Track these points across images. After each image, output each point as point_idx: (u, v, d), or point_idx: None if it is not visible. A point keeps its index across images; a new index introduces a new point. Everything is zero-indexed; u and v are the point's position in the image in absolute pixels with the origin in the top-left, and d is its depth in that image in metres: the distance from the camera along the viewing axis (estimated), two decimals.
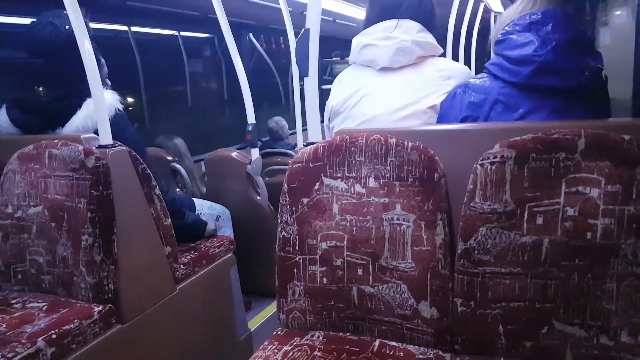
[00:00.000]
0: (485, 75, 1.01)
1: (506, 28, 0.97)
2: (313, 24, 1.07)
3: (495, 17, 4.93)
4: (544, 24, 0.91)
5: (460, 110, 1.00)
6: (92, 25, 1.32)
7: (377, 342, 0.96)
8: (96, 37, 1.27)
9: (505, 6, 4.39)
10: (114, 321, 1.20)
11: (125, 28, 3.06)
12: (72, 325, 1.08)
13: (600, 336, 0.82)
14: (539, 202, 0.83)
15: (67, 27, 1.29)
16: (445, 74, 1.13)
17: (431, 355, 0.92)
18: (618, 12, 2.28)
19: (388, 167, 0.96)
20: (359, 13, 4.02)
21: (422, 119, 1.10)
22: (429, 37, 1.16)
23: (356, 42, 1.20)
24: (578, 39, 0.91)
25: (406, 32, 1.14)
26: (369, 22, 1.19)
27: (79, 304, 1.18)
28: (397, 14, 1.16)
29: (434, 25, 1.22)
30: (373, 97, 1.16)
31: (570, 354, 0.84)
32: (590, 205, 0.81)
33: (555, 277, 0.83)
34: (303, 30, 1.08)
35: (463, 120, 1.00)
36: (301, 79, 1.14)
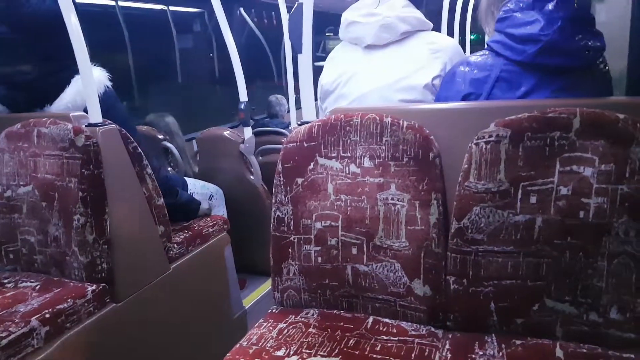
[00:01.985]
0: (487, 52, 0.99)
1: (509, 5, 0.95)
2: None
3: None
4: (547, 1, 0.90)
5: (462, 87, 0.99)
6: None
7: (370, 319, 0.98)
8: (82, 13, 1.23)
9: None
10: (108, 300, 1.20)
11: (112, 2, 2.96)
12: (65, 305, 1.08)
13: (590, 313, 0.84)
14: (533, 181, 0.84)
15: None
16: (435, 47, 1.11)
17: (424, 331, 0.93)
18: None
19: (383, 147, 0.95)
20: None
21: (413, 95, 1.09)
22: (415, 12, 1.13)
23: (344, 17, 1.17)
24: (581, 16, 0.90)
25: (390, 7, 1.11)
26: None
27: (72, 284, 1.18)
28: None
29: None
30: (361, 75, 1.14)
31: (561, 330, 0.86)
32: (584, 184, 0.81)
33: (547, 256, 0.84)
34: (296, 4, 1.05)
35: (465, 97, 0.99)
36: (294, 55, 1.11)
